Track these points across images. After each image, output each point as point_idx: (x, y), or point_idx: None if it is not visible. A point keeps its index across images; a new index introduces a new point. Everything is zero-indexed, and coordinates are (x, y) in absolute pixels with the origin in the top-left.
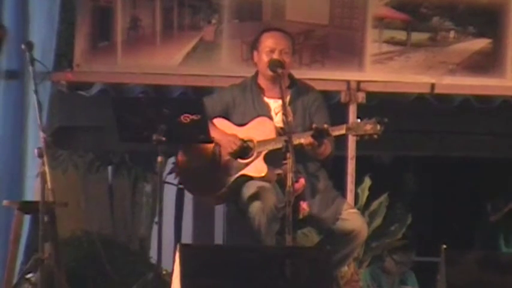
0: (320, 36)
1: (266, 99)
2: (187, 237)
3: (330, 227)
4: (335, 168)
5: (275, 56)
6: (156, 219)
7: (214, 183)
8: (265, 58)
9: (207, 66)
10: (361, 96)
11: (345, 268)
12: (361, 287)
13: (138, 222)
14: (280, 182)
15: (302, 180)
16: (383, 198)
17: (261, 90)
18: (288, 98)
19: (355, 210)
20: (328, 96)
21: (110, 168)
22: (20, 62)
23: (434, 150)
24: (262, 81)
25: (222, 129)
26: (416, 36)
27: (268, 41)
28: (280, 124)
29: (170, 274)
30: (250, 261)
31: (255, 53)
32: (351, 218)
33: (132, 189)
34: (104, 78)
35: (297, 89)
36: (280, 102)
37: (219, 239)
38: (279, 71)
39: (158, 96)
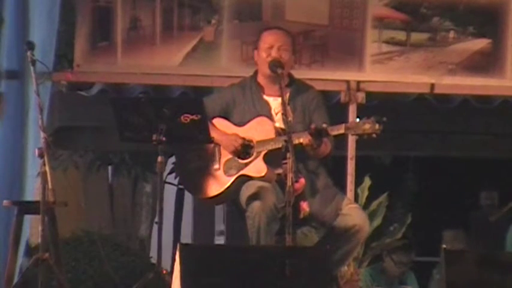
0: (320, 36)
1: (266, 97)
2: (187, 237)
3: (330, 224)
4: (335, 168)
5: (273, 52)
6: (156, 219)
7: (214, 184)
8: (263, 55)
9: (207, 66)
10: (360, 96)
11: (345, 268)
12: (360, 286)
13: (138, 222)
14: (280, 181)
15: (302, 180)
16: (383, 198)
17: (261, 89)
18: (287, 96)
19: (355, 205)
20: (328, 96)
21: (110, 168)
22: (20, 62)
23: (434, 150)
24: (261, 80)
25: (222, 129)
26: (416, 37)
27: (267, 38)
28: (280, 124)
29: (170, 274)
30: (250, 261)
31: (255, 53)
32: (352, 213)
33: (132, 189)
34: (104, 78)
35: (296, 87)
36: (279, 100)
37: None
38: (279, 71)
39: (158, 96)
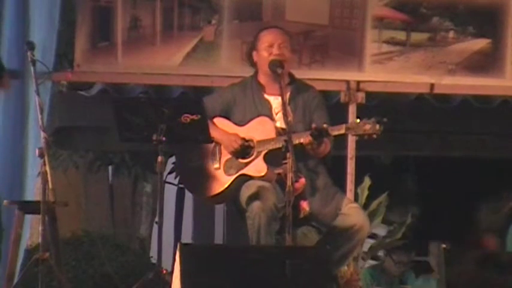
0: (320, 36)
1: (266, 96)
2: (187, 237)
3: (330, 223)
4: (335, 168)
5: (275, 50)
6: (157, 219)
7: (214, 183)
8: (264, 54)
9: (207, 66)
10: (360, 96)
11: (345, 268)
12: (360, 286)
13: (138, 222)
14: (280, 181)
15: (302, 180)
16: (382, 198)
17: (262, 87)
18: (287, 95)
19: (355, 205)
20: (328, 96)
21: (110, 168)
22: (21, 61)
23: (434, 150)
24: (262, 79)
25: (223, 129)
26: (416, 37)
27: (266, 37)
28: (281, 123)
29: (170, 274)
30: (250, 261)
31: (254, 53)
32: (351, 213)
33: (133, 189)
34: (104, 78)
35: (296, 86)
36: (280, 99)
37: (219, 239)
38: (279, 71)
39: (158, 96)
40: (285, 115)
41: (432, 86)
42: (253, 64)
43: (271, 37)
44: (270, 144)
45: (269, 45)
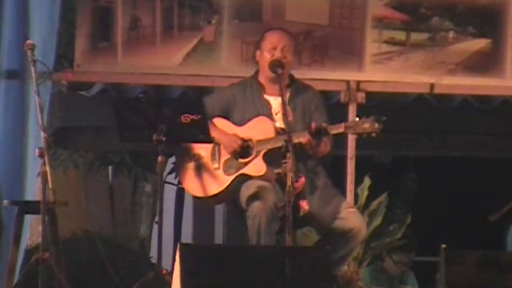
0: (320, 36)
1: (266, 97)
2: (187, 237)
3: (328, 226)
4: (335, 168)
5: (277, 52)
6: (157, 219)
7: (214, 183)
8: (267, 55)
9: (207, 66)
10: (360, 96)
11: (345, 268)
12: (360, 286)
13: (138, 222)
14: (280, 181)
15: (302, 179)
16: (382, 198)
17: (261, 88)
18: (287, 96)
19: (354, 209)
20: (327, 96)
21: (110, 168)
22: (21, 61)
23: (434, 150)
24: (262, 79)
25: (222, 129)
26: (416, 37)
27: (270, 39)
28: (280, 123)
29: (170, 274)
30: (250, 261)
31: (257, 52)
32: (349, 217)
33: (133, 189)
34: (104, 78)
35: (296, 87)
36: (280, 99)
37: (219, 239)
38: (279, 71)
39: (158, 96)
40: (284, 115)
41: (432, 86)
42: (256, 63)
43: (275, 39)
44: (269, 143)
45: (272, 47)
